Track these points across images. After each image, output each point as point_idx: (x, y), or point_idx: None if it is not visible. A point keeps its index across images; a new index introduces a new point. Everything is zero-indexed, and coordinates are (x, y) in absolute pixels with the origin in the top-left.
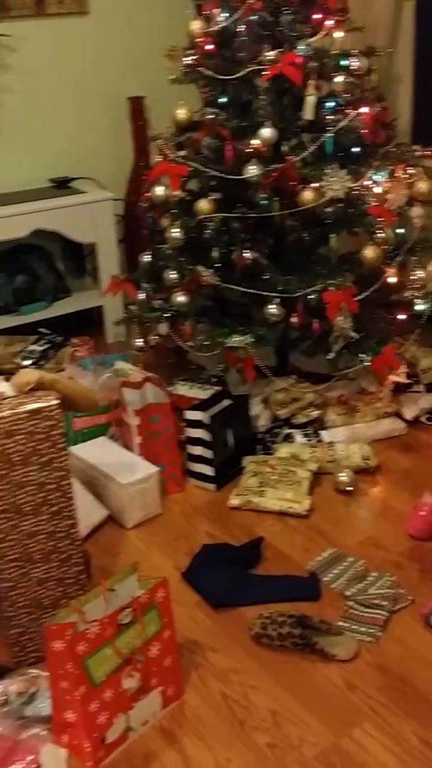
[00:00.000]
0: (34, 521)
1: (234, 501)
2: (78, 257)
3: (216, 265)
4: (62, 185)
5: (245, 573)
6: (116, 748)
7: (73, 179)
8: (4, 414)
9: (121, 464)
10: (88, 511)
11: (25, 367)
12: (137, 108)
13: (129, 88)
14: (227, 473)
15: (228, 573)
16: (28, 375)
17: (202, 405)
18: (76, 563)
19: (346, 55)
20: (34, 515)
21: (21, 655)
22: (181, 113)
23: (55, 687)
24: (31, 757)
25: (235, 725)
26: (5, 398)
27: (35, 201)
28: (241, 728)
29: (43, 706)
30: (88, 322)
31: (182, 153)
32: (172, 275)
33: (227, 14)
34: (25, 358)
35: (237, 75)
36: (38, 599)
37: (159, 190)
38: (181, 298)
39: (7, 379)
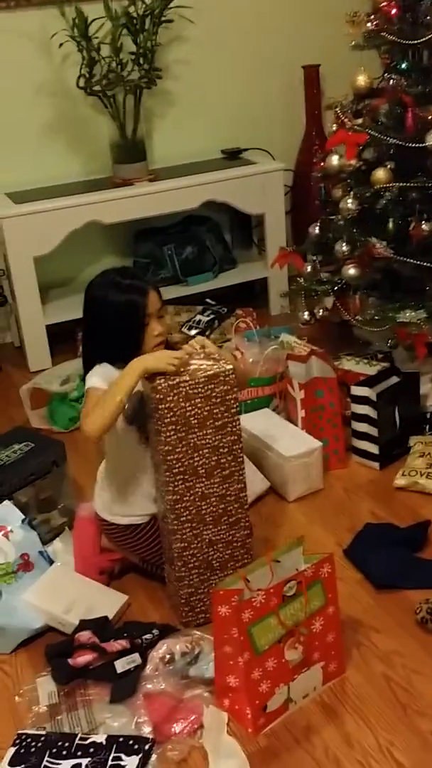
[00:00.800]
0: (208, 483)
1: (400, 481)
2: (245, 229)
3: (390, 237)
4: (233, 156)
5: (411, 555)
6: (277, 718)
7: (245, 150)
8: (185, 378)
9: (285, 437)
10: (250, 481)
11: (192, 336)
12: (312, 76)
13: (304, 56)
14: (392, 452)
15: (393, 554)
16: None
17: (369, 381)
18: (244, 527)
19: None
20: (207, 478)
21: (190, 615)
22: (361, 80)
23: (219, 651)
24: (194, 717)
25: (397, 708)
26: (190, 363)
27: (207, 173)
28: (404, 712)
29: (207, 668)
30: (252, 294)
31: (359, 121)
32: (344, 247)
33: None
34: (191, 328)
35: (422, 39)
36: (208, 560)
37: (334, 159)
38: (351, 270)
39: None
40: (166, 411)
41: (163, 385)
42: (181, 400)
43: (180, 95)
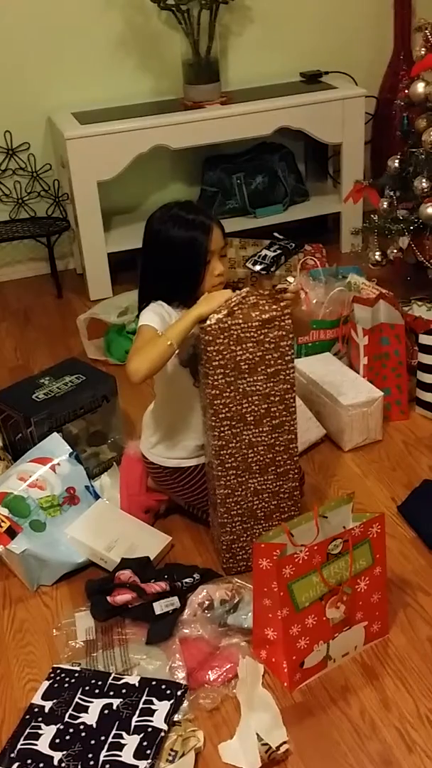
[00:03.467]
0: (256, 431)
1: None
2: (321, 159)
3: None
4: (312, 80)
5: None
6: (314, 675)
7: (325, 73)
8: (237, 321)
9: (344, 384)
10: (306, 428)
11: (256, 272)
12: None
13: None
14: None
15: None
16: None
17: None
18: (292, 479)
19: None
20: (255, 426)
21: (231, 561)
22: None
23: (258, 603)
24: (229, 666)
25: None
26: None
27: (282, 97)
28: None
29: (245, 617)
30: (324, 229)
31: None
32: (423, 183)
33: None
34: (255, 263)
35: None
36: (252, 509)
37: (419, 87)
38: (430, 209)
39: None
40: (214, 353)
41: (213, 326)
42: (231, 343)
43: (259, 11)
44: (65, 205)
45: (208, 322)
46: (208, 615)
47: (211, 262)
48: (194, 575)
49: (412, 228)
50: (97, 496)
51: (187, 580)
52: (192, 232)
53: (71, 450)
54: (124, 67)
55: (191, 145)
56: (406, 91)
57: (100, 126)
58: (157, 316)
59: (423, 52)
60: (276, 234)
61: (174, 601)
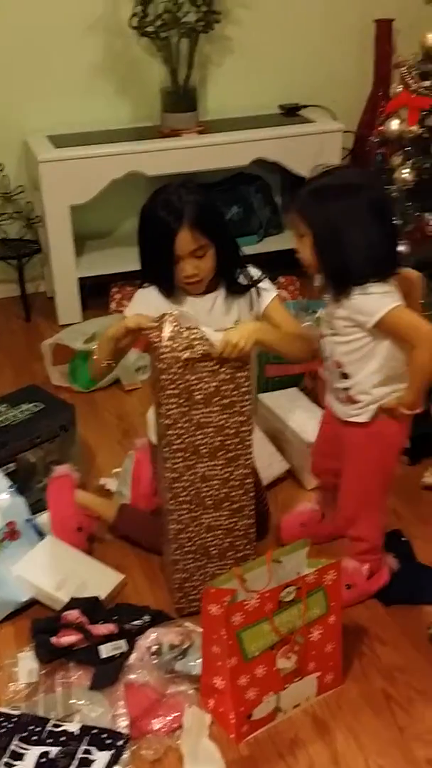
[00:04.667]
0: (210, 465)
1: (428, 479)
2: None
3: None
4: (291, 112)
5: (423, 568)
6: (262, 726)
7: (304, 106)
8: (186, 346)
9: (309, 421)
10: (269, 463)
11: None
12: (384, 31)
13: (378, 8)
14: (425, 448)
15: (409, 567)
16: (244, 337)
17: None
18: (247, 515)
19: None
20: (210, 458)
21: (183, 601)
22: (431, 37)
23: (207, 650)
24: (175, 715)
25: (393, 730)
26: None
27: (260, 128)
28: (401, 735)
29: (194, 664)
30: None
31: (427, 83)
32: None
33: None
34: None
35: None
36: (205, 546)
37: (394, 124)
38: (401, 247)
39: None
40: (168, 382)
41: (167, 354)
42: (186, 372)
43: (239, 42)
44: (37, 227)
45: (162, 350)
46: (156, 661)
47: (179, 264)
48: (144, 617)
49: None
50: (39, 531)
51: (136, 622)
52: (158, 233)
53: (11, 483)
54: (102, 93)
55: (167, 173)
56: (381, 127)
57: (75, 150)
58: (137, 306)
59: (399, 90)
60: (249, 265)
61: (121, 645)
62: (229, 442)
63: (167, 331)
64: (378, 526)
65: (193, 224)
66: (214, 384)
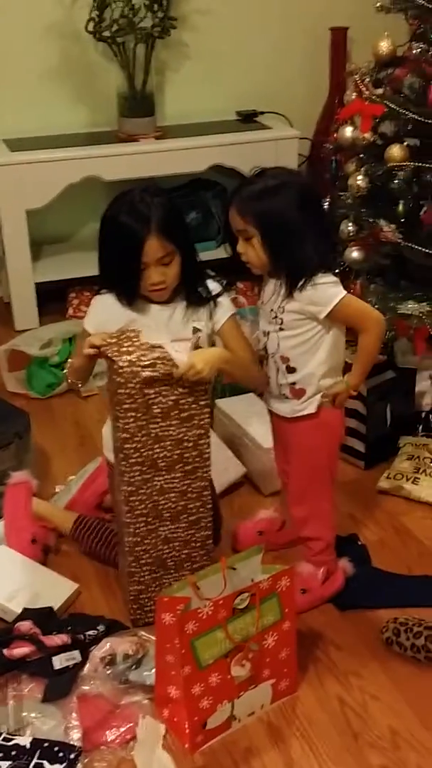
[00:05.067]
0: (168, 477)
1: (383, 484)
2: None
3: (400, 220)
4: (248, 119)
5: (378, 572)
6: (217, 736)
7: (261, 113)
8: (147, 364)
9: (266, 426)
10: (224, 467)
11: None
12: (339, 40)
13: (333, 17)
14: (380, 452)
15: (362, 571)
16: (209, 364)
17: None
18: (205, 527)
19: None
20: (167, 471)
21: (139, 613)
22: (384, 46)
23: (161, 659)
24: (129, 726)
25: (348, 736)
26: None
27: (217, 134)
28: (355, 742)
29: (149, 674)
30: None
31: (379, 91)
32: (349, 227)
33: None
34: None
35: None
36: (162, 558)
37: (347, 131)
38: (355, 253)
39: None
40: (125, 396)
41: (125, 369)
42: (144, 387)
43: (196, 48)
44: None
45: (120, 364)
46: (109, 671)
47: (145, 271)
48: (99, 627)
49: (337, 271)
50: None
51: (90, 632)
52: (123, 240)
53: None
54: (59, 97)
55: (124, 178)
56: (335, 134)
57: (31, 154)
58: (93, 316)
59: (353, 97)
60: (208, 271)
61: (75, 656)
62: (187, 455)
63: (126, 347)
64: (330, 522)
65: (161, 231)
66: (173, 398)
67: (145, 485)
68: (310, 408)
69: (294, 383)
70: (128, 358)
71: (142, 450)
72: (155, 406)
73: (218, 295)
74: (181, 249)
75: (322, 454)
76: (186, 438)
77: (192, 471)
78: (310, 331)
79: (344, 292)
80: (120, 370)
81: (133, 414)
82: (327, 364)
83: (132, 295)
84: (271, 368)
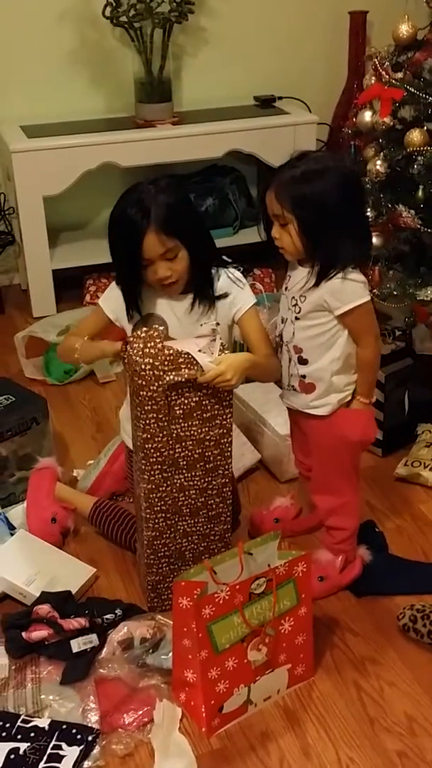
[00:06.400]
0: (188, 476)
1: (401, 471)
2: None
3: (420, 206)
4: (266, 104)
5: (396, 559)
6: (233, 719)
7: (279, 98)
8: (171, 368)
9: (283, 413)
10: (240, 453)
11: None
12: (358, 23)
13: (352, 0)
14: (398, 439)
15: (379, 558)
16: (238, 373)
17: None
18: (224, 521)
19: None
20: (188, 470)
21: (156, 601)
22: (404, 29)
23: (178, 643)
24: (146, 709)
25: (364, 722)
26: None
27: (234, 120)
28: (371, 727)
29: (166, 658)
30: (274, 254)
31: (399, 75)
32: (368, 213)
33: None
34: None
35: None
36: (181, 551)
37: (366, 116)
38: (374, 239)
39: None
40: (147, 399)
41: (147, 371)
42: (166, 389)
43: (214, 33)
44: (11, 218)
45: (142, 366)
46: (127, 655)
47: (151, 266)
48: (116, 611)
49: (371, 253)
50: (9, 524)
51: (108, 616)
52: (125, 235)
53: None
54: (76, 83)
55: (141, 164)
56: (354, 119)
57: (48, 140)
58: (113, 296)
59: (372, 81)
60: (225, 257)
61: (92, 639)
62: (208, 453)
63: (150, 347)
64: (354, 512)
65: (160, 227)
66: (195, 399)
67: (165, 483)
68: (322, 410)
69: (304, 376)
70: (151, 360)
71: (163, 450)
72: (177, 407)
73: (222, 296)
74: (188, 244)
75: (339, 454)
76: (208, 438)
77: (213, 469)
78: (326, 325)
79: (369, 298)
80: (142, 373)
81: (155, 415)
82: (341, 362)
83: (137, 290)
84: (284, 357)
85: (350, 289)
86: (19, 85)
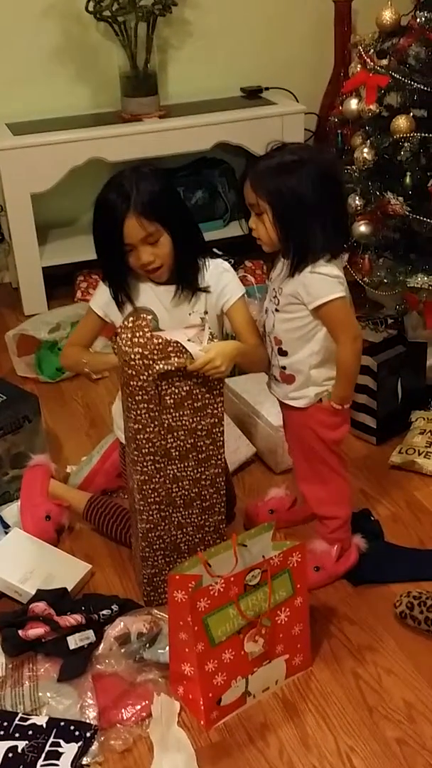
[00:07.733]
0: (181, 466)
1: (395, 459)
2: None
3: (408, 192)
4: (253, 95)
5: (391, 546)
6: (231, 712)
7: (266, 89)
8: (161, 356)
9: (276, 404)
10: (235, 447)
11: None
12: (343, 11)
13: None
14: (392, 427)
15: (376, 546)
16: (227, 360)
17: (371, 349)
18: (218, 512)
19: None
20: (180, 460)
21: (152, 594)
22: (387, 15)
23: (174, 637)
24: (144, 703)
25: (363, 710)
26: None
27: (221, 112)
28: (370, 715)
29: (163, 652)
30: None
31: (384, 62)
32: (356, 201)
33: None
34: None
35: None
36: (175, 542)
37: (352, 103)
38: (363, 227)
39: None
40: (137, 389)
41: (137, 360)
42: (157, 378)
43: (198, 25)
44: (0, 216)
45: (131, 356)
46: (123, 650)
47: (134, 251)
48: (112, 606)
49: (345, 246)
50: (4, 523)
51: (104, 611)
52: (106, 220)
53: None
54: (61, 78)
55: (129, 159)
56: (340, 107)
57: (34, 137)
58: (104, 294)
59: (357, 69)
60: (215, 250)
61: (89, 635)
62: (200, 443)
63: (139, 337)
64: (344, 500)
65: (140, 211)
66: (186, 388)
67: (157, 474)
68: (299, 402)
69: (284, 367)
70: (140, 350)
71: (155, 440)
72: (168, 397)
73: (209, 287)
74: (169, 228)
75: (315, 446)
76: (199, 427)
77: (206, 459)
78: (305, 319)
79: (339, 294)
80: (132, 362)
81: (145, 405)
82: (320, 356)
83: (121, 277)
84: (268, 347)
85: (319, 284)
86: (3, 82)
